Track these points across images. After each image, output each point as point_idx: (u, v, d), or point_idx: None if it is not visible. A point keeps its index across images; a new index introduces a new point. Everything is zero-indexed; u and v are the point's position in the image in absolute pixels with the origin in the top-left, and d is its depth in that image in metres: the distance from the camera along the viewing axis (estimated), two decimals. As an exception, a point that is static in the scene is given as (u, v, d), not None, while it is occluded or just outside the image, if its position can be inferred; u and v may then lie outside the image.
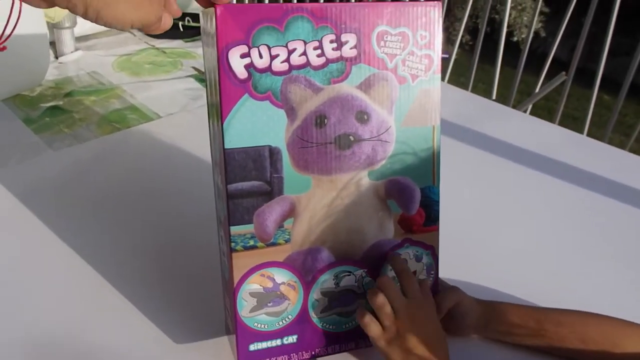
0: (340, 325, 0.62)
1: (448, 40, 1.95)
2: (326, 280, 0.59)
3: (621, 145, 1.24)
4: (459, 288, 0.64)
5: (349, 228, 0.58)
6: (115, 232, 0.83)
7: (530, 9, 4.53)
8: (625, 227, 0.91)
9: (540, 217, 0.93)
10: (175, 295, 0.72)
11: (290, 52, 0.53)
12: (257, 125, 0.53)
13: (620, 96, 1.67)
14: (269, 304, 0.58)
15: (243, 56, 0.51)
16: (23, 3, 0.39)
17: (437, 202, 0.61)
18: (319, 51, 0.54)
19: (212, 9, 0.50)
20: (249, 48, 0.51)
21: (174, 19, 0.47)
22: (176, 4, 0.47)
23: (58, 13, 1.25)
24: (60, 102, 1.16)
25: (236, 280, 0.56)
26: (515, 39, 4.44)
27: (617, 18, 1.61)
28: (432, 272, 0.63)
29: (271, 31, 0.52)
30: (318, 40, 0.53)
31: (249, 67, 0.52)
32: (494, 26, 3.59)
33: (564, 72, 1.71)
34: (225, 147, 0.53)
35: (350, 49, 0.55)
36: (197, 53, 1.45)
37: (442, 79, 0.60)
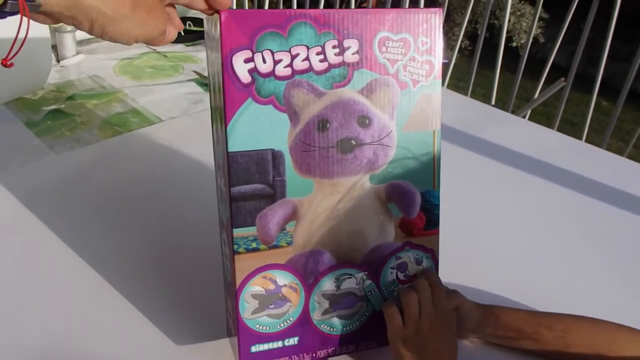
0: (341, 328, 0.62)
1: (447, 45, 1.96)
2: (327, 282, 0.60)
3: (619, 151, 1.24)
4: (459, 292, 0.65)
5: (350, 231, 0.59)
6: (117, 235, 0.83)
7: (530, 15, 4.55)
8: (624, 233, 0.92)
9: (538, 222, 0.94)
10: (176, 297, 0.72)
11: (293, 57, 0.53)
12: (260, 129, 0.54)
13: (618, 102, 1.68)
14: (270, 306, 0.58)
15: (247, 61, 0.52)
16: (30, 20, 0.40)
17: (438, 206, 0.62)
18: (321, 56, 0.54)
19: (216, 15, 0.51)
20: (253, 53, 0.52)
21: None
22: (178, 18, 0.48)
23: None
24: (62, 106, 1.17)
25: (238, 282, 0.57)
26: (514, 44, 4.45)
27: (616, 24, 1.62)
28: (432, 276, 0.64)
29: (275, 36, 0.53)
30: (321, 46, 0.54)
31: (253, 71, 0.53)
32: (493, 31, 3.61)
33: (563, 78, 1.72)
34: (229, 150, 0.54)
35: (353, 54, 0.55)
36: (198, 57, 1.45)
37: (442, 84, 0.60)
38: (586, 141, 1.42)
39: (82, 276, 0.75)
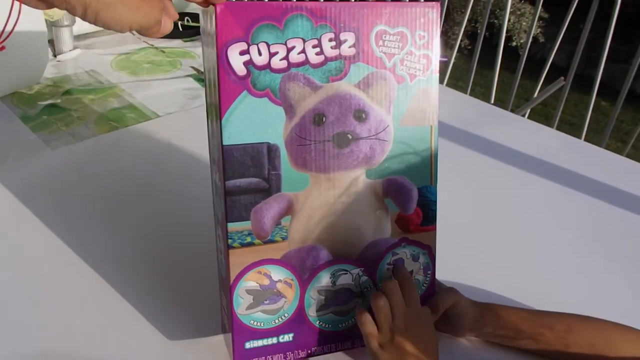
0: (337, 324, 0.62)
1: (447, 44, 1.96)
2: (323, 278, 0.59)
3: (618, 152, 1.24)
4: (456, 289, 0.64)
5: (346, 226, 0.59)
6: (112, 230, 0.82)
7: (530, 14, 4.55)
8: (623, 232, 0.91)
9: (537, 221, 0.93)
10: (171, 293, 0.72)
11: (289, 50, 0.53)
12: (255, 122, 0.53)
13: (618, 103, 1.68)
14: (265, 302, 0.58)
15: (242, 53, 0.52)
16: (22, 4, 0.40)
17: (435, 202, 0.62)
18: (317, 49, 0.54)
19: (212, 8, 0.50)
20: (248, 45, 0.52)
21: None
22: (173, 9, 0.48)
23: (57, 11, 1.25)
24: (58, 100, 1.16)
25: (233, 277, 0.56)
26: (513, 43, 4.45)
27: (615, 25, 1.62)
28: (429, 272, 0.63)
29: (270, 29, 0.52)
30: (317, 39, 0.54)
31: (248, 64, 0.52)
32: (493, 30, 3.61)
33: (562, 77, 1.72)
34: (224, 143, 0.53)
35: (349, 47, 0.55)
36: (196, 53, 1.45)
37: (441, 81, 0.60)
38: (585, 141, 1.42)
39: (77, 271, 0.74)
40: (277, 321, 0.59)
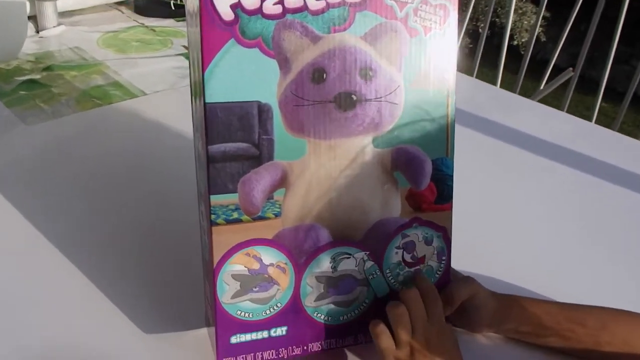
0: (337, 317, 0.54)
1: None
2: (322, 263, 0.51)
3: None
4: (474, 279, 0.57)
5: (349, 203, 0.51)
6: (93, 212, 0.76)
7: (532, 13, 4.51)
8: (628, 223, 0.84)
9: (553, 208, 0.86)
10: (151, 281, 0.65)
11: (284, -9, 0.45)
12: (244, 76, 0.46)
13: (623, 105, 1.65)
14: (254, 289, 0.50)
15: (229, -7, 0.44)
16: None
17: (451, 176, 0.54)
18: (318, -8, 0.46)
19: None
20: (236, -17, 0.44)
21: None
22: None
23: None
24: (38, 76, 1.09)
25: (216, 259, 0.48)
26: (515, 42, 4.41)
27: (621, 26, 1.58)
28: (444, 258, 0.56)
29: (263, -35, 0.44)
30: (318, -21, 0.46)
31: (236, 7, 0.45)
32: (494, 29, 3.56)
33: (571, 68, 1.67)
34: (207, 101, 0.46)
35: (355, -9, 0.47)
36: (188, 32, 1.37)
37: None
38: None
39: (53, 256, 0.68)
40: (268, 312, 0.51)
